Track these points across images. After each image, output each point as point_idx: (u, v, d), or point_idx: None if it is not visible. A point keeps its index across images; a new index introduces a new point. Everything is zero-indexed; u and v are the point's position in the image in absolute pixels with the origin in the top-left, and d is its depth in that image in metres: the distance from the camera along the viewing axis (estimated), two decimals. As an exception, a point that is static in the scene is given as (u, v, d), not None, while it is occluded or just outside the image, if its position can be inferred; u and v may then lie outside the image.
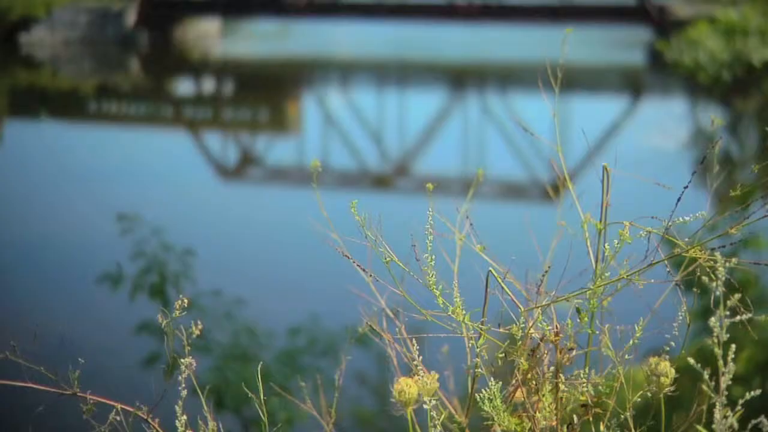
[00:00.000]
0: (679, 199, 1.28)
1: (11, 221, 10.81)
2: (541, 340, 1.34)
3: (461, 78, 27.04)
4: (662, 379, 1.35)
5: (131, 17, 32.98)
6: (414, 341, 1.35)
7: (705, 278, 1.35)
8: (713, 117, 1.53)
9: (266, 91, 23.63)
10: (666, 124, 17.83)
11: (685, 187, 1.30)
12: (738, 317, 1.35)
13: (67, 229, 10.44)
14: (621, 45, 32.62)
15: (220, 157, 15.54)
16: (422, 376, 1.31)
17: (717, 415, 1.39)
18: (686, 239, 1.30)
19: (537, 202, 11.63)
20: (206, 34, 37.51)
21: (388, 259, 1.32)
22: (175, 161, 14.76)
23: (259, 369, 1.43)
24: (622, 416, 1.35)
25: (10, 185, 12.91)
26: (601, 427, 1.38)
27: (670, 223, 1.27)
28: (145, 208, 10.42)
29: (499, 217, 10.32)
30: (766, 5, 21.56)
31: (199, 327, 1.33)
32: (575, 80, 22.83)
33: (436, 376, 1.32)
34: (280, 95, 23.29)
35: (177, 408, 1.32)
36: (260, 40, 39.46)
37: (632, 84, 25.77)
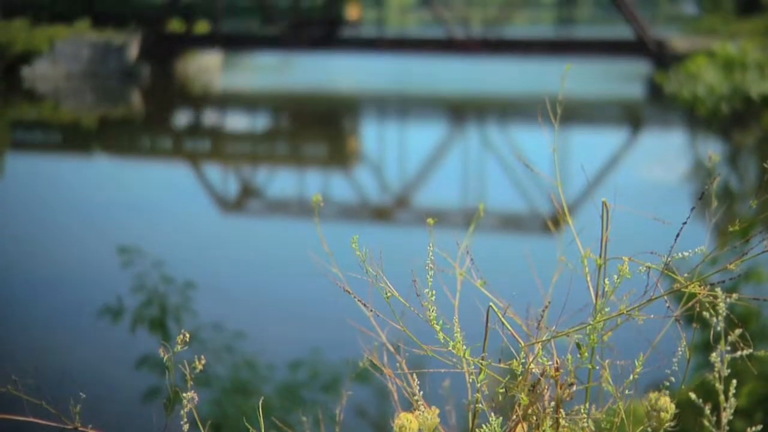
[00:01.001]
0: (678, 235, 1.29)
1: (11, 254, 10.81)
2: (541, 375, 1.34)
3: (461, 110, 27.17)
4: (663, 414, 1.35)
5: (133, 51, 33.24)
6: (415, 376, 1.36)
7: (705, 313, 1.36)
8: (711, 153, 1.54)
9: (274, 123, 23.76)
10: (666, 156, 17.89)
11: (684, 223, 1.31)
12: (739, 353, 1.35)
13: (67, 262, 10.43)
14: (620, 78, 32.81)
15: (222, 190, 15.59)
16: (423, 411, 1.31)
17: (719, 450, 1.39)
18: (686, 274, 1.31)
19: (537, 234, 11.64)
20: (207, 67, 37.78)
21: (389, 294, 1.32)
22: (176, 194, 14.79)
23: (260, 403, 1.43)
24: (624, 452, 1.35)
25: (11, 218, 12.93)
26: (603, 463, 1.37)
27: (669, 259, 1.28)
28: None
29: (499, 249, 10.32)
30: (765, 39, 21.74)
31: (202, 362, 1.33)
32: (575, 113, 22.94)
33: (437, 411, 1.32)
34: (299, 127, 23.41)
35: (178, 443, 1.32)
36: (261, 72, 39.71)
37: (632, 117, 25.89)
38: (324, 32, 32.33)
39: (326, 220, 11.91)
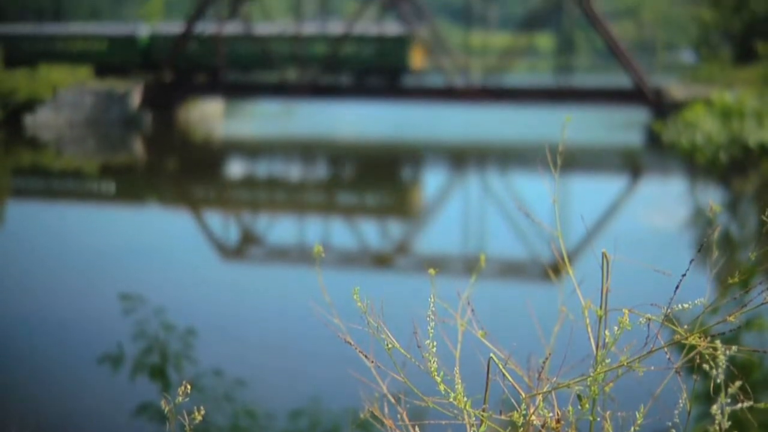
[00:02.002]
0: (677, 287, 1.30)
1: (13, 301, 10.79)
2: (542, 427, 1.34)
3: (461, 157, 27.31)
4: (665, 466, 1.34)
5: (136, 99, 33.55)
6: (416, 428, 1.36)
7: (706, 366, 1.36)
8: (712, 204, 1.56)
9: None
10: (666, 204, 17.94)
11: (683, 275, 1.32)
12: (739, 405, 1.35)
13: (68, 309, 10.41)
14: (618, 126, 33.04)
15: (224, 237, 15.61)
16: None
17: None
18: (686, 325, 1.32)
19: (538, 281, 11.62)
20: (210, 115, 38.09)
21: (390, 345, 1.33)
22: (182, 241, 14.81)
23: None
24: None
25: (11, 265, 12.93)
26: None
27: (669, 310, 1.29)
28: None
29: (500, 297, 10.30)
30: (762, 88, 21.92)
31: (201, 413, 1.33)
32: (575, 160, 23.06)
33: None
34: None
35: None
36: (262, 120, 40.03)
37: (631, 164, 26.02)
38: (387, 81, 31.90)
39: (327, 267, 11.93)
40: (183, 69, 34.07)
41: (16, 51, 36.26)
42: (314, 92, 32.16)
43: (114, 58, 34.61)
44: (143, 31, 35.03)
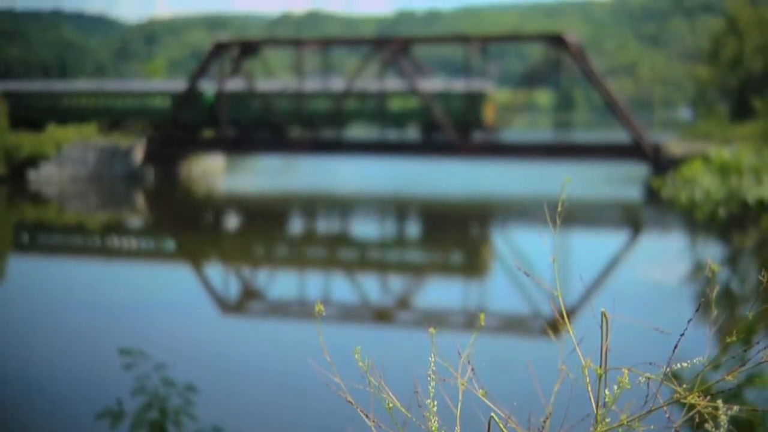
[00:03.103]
0: (675, 346, 1.32)
1: (14, 355, 10.75)
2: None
3: (461, 212, 27.39)
4: None
5: (139, 154, 33.82)
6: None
7: (707, 425, 1.37)
8: (710, 263, 1.58)
9: (271, 224, 23.92)
10: (666, 259, 17.95)
11: (681, 335, 1.34)
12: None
13: (69, 364, 10.36)
14: (618, 181, 33.21)
15: (223, 290, 15.60)
16: None
17: None
18: (686, 384, 1.33)
19: (538, 337, 11.57)
20: (211, 170, 38.35)
21: (390, 405, 1.34)
22: (177, 294, 14.80)
23: None
24: None
25: (13, 319, 12.90)
26: None
27: (668, 369, 1.30)
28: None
29: (501, 352, 10.24)
30: (759, 144, 22.09)
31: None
32: (575, 214, 23.12)
33: None
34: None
35: None
36: (263, 175, 40.25)
37: (631, 219, 26.08)
38: (459, 137, 31.06)
39: (328, 323, 11.86)
40: (246, 126, 33.67)
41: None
42: (317, 148, 32.40)
43: (182, 116, 33.80)
44: (207, 87, 34.33)
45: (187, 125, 34.27)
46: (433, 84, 32.31)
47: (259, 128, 34.25)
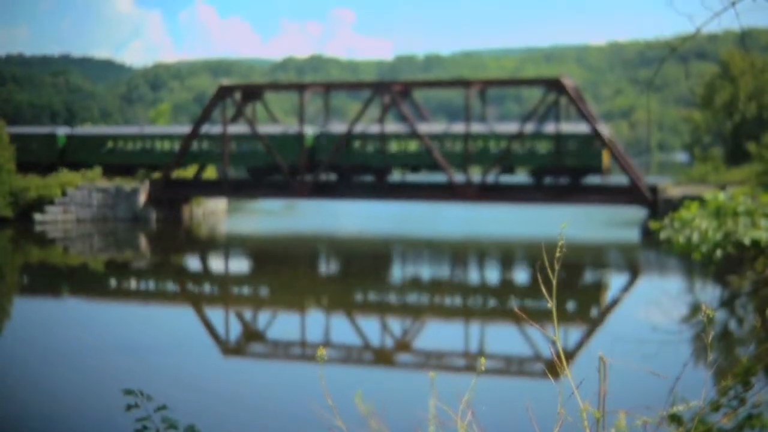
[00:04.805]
0: (672, 390, 1.34)
1: (16, 396, 10.72)
2: None
3: (461, 253, 27.39)
4: None
5: (142, 196, 33.99)
6: None
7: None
8: (704, 307, 1.61)
9: (282, 266, 23.90)
10: (664, 301, 17.94)
11: (678, 378, 1.37)
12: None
13: (71, 405, 10.34)
14: (616, 223, 33.28)
15: (223, 333, 15.60)
16: None
17: None
18: (682, 427, 1.35)
19: (538, 378, 11.54)
20: (214, 212, 38.47)
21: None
22: (177, 335, 14.78)
23: None
24: None
25: (16, 360, 12.88)
26: None
27: (664, 413, 1.33)
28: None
29: (500, 393, 10.21)
30: (753, 187, 22.24)
31: None
32: (572, 256, 23.13)
33: None
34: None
35: None
36: (264, 217, 40.30)
37: (629, 261, 26.11)
38: (572, 181, 30.31)
39: (330, 364, 11.88)
40: (348, 168, 32.66)
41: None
42: (319, 191, 32.45)
43: (286, 157, 32.90)
44: (309, 130, 33.55)
45: (289, 164, 32.94)
46: (546, 127, 31.01)
47: (357, 172, 33.04)
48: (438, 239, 30.89)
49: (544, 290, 1.71)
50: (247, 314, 17.48)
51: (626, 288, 21.04)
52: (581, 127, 30.52)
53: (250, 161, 34.07)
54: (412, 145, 32.14)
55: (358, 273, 23.09)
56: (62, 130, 38.08)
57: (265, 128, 34.53)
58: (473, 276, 23.39)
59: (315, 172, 32.74)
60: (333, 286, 20.77)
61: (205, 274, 23.46)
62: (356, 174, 33.24)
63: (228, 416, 9.72)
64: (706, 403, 1.37)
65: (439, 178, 33.04)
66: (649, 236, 26.43)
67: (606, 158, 30.63)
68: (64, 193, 34.05)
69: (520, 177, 34.02)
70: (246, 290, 20.59)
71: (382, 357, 13.64)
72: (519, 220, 35.39)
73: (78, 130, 38.44)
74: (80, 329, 15.32)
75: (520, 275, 22.29)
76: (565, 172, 30.69)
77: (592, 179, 31.64)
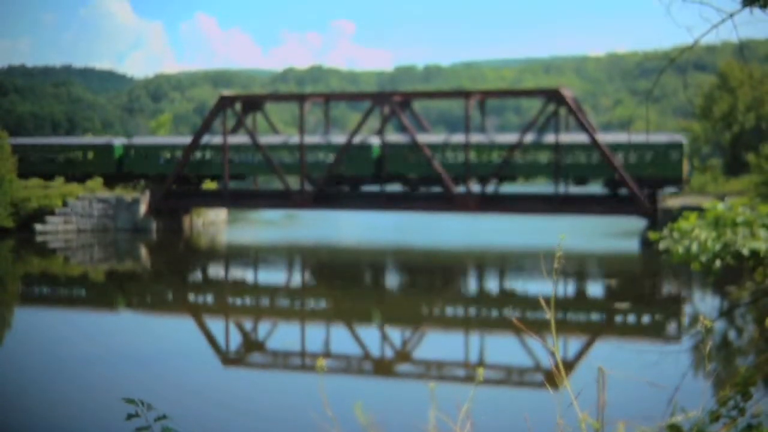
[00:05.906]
0: (671, 401, 1.35)
1: (16, 406, 10.71)
2: None
3: (461, 263, 27.37)
4: None
5: (143, 206, 34.01)
6: None
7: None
8: (703, 319, 1.62)
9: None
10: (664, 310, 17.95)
11: (677, 388, 1.37)
12: None
13: (71, 413, 10.33)
14: (615, 234, 33.29)
15: (222, 342, 15.60)
16: None
17: None
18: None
19: (537, 388, 11.53)
20: (214, 222, 38.47)
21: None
22: (177, 345, 14.77)
23: None
24: None
25: (16, 370, 12.87)
26: None
27: (663, 424, 1.33)
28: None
29: (499, 402, 10.20)
30: (752, 198, 22.23)
31: None
32: (572, 266, 23.14)
33: None
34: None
35: None
36: (265, 227, 40.28)
37: (629, 272, 26.10)
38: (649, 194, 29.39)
39: (332, 374, 11.88)
40: (411, 181, 31.75)
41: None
42: (319, 202, 32.41)
43: (350, 169, 32.41)
44: (375, 140, 32.79)
45: (351, 177, 32.58)
46: (617, 136, 30.43)
47: (422, 183, 32.42)
48: (438, 249, 30.88)
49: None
50: (247, 324, 17.46)
51: (625, 298, 20.99)
52: (661, 137, 30.04)
53: (316, 171, 33.11)
54: (495, 155, 31.15)
55: (359, 282, 23.09)
56: (119, 141, 37.34)
57: (336, 138, 33.77)
58: (472, 286, 23.38)
59: (381, 183, 32.21)
60: (334, 292, 20.76)
61: (205, 283, 23.44)
62: (424, 185, 32.43)
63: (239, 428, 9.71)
64: (705, 414, 1.37)
65: (523, 189, 31.72)
66: (648, 247, 26.44)
67: (685, 168, 30.13)
68: (65, 204, 34.09)
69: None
70: (248, 301, 20.57)
71: (382, 367, 13.63)
72: (515, 230, 35.37)
73: (135, 140, 37.41)
74: (79, 338, 15.28)
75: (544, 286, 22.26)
76: (642, 183, 29.78)
77: (590, 190, 31.67)
